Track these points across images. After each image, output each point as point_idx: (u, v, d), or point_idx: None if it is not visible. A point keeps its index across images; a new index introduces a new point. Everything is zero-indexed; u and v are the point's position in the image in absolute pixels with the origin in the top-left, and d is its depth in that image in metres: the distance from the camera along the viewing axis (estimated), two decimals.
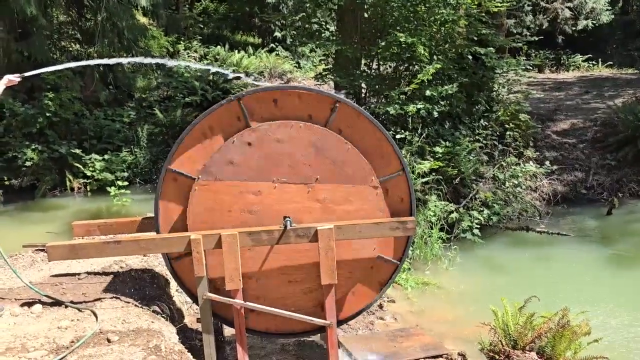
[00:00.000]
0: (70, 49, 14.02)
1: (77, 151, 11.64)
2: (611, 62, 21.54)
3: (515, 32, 18.31)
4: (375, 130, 4.11)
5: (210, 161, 3.97)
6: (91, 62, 4.95)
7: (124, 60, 4.71)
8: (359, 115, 4.09)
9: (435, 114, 8.76)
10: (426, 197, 7.96)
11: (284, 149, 4.00)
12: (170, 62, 6.69)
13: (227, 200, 3.99)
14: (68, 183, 11.55)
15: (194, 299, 4.14)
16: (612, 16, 22.03)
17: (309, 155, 4.01)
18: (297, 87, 4.23)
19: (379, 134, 4.11)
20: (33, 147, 11.27)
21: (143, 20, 15.43)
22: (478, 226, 7.98)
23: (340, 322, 4.33)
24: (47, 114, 11.45)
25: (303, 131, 4.01)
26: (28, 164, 11.09)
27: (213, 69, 5.77)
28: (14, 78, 4.20)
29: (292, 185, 4.02)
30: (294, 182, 4.02)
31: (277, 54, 18.86)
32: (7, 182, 11.16)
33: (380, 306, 5.90)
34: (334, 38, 10.41)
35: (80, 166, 11.57)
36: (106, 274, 4.67)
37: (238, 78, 13.71)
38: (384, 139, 4.12)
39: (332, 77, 10.52)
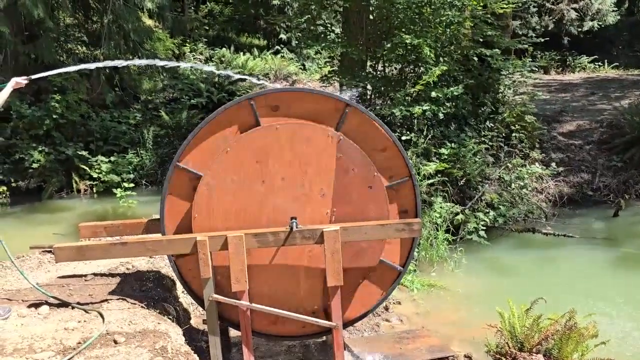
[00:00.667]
0: (77, 51, 14.09)
1: (84, 153, 11.69)
2: (617, 63, 21.45)
3: (520, 33, 18.23)
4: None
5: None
6: (100, 65, 4.96)
7: (132, 63, 4.74)
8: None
9: (441, 116, 8.75)
10: (432, 198, 7.95)
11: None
12: (182, 65, 6.73)
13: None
14: (74, 185, 11.60)
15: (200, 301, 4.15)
16: (618, 17, 21.93)
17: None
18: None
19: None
20: (40, 149, 11.33)
21: (149, 22, 15.48)
22: (484, 228, 7.96)
23: (346, 324, 4.33)
24: (54, 116, 11.51)
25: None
26: (35, 165, 11.15)
27: (224, 73, 5.83)
28: (21, 80, 4.23)
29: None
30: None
31: (282, 56, 18.89)
32: (14, 184, 11.22)
33: (386, 308, 5.89)
34: (339, 40, 10.42)
35: (87, 168, 11.62)
36: (113, 275, 4.69)
37: (243, 80, 13.74)
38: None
39: (338, 79, 10.52)
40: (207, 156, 4.01)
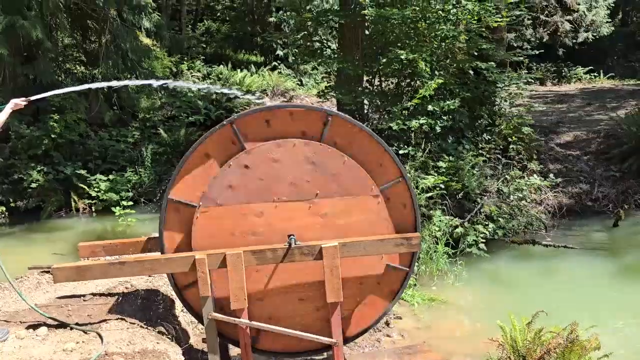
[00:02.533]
0: (75, 70, 14.16)
1: (82, 172, 11.69)
2: (613, 74, 21.59)
3: (515, 45, 18.43)
4: (370, 139, 4.12)
5: (209, 187, 3.98)
6: (99, 85, 5.00)
7: (130, 83, 4.80)
8: (352, 126, 4.10)
9: (438, 129, 8.78)
10: (431, 212, 7.95)
11: (282, 168, 4.01)
12: (180, 84, 6.78)
13: (230, 224, 3.99)
14: (73, 204, 11.58)
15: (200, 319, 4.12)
16: (612, 28, 22.14)
17: (306, 171, 4.02)
18: (287, 105, 4.25)
19: (373, 142, 4.12)
20: (38, 168, 11.34)
21: (146, 41, 15.58)
22: (484, 240, 7.94)
23: (346, 340, 4.30)
24: (53, 136, 11.53)
25: (298, 148, 4.02)
26: (33, 185, 11.14)
27: (221, 90, 5.85)
28: (20, 102, 4.24)
29: (293, 203, 4.02)
30: (295, 200, 4.02)
31: (279, 72, 18.99)
32: (12, 204, 11.20)
33: (387, 323, 5.86)
34: (336, 56, 10.50)
35: (85, 187, 11.61)
36: (111, 294, 4.67)
37: (236, 97, 13.78)
38: (380, 146, 4.12)
39: (335, 95, 10.58)
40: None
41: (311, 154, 4.02)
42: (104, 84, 4.99)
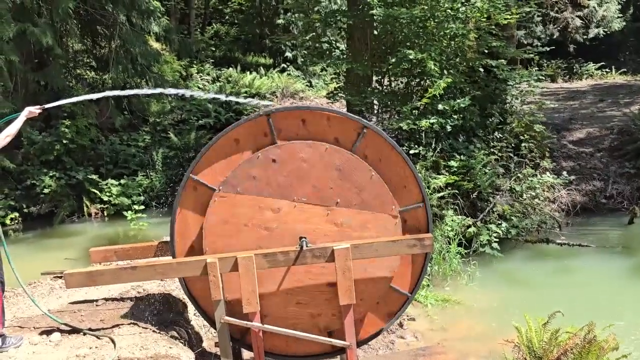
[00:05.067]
0: (86, 76, 14.27)
1: (94, 177, 11.77)
2: (625, 69, 21.34)
3: (526, 43, 18.28)
4: (399, 159, 4.09)
5: (232, 174, 3.96)
6: (110, 94, 4.99)
7: (140, 92, 4.85)
8: (384, 142, 4.07)
9: (449, 128, 8.71)
10: (443, 211, 7.88)
11: (308, 169, 3.98)
12: (193, 93, 6.80)
13: (245, 214, 3.97)
14: (85, 209, 11.66)
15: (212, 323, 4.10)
16: (624, 23, 21.87)
17: (332, 178, 3.99)
18: (326, 108, 4.21)
19: (402, 162, 4.09)
20: (51, 174, 11.43)
21: (156, 45, 15.67)
22: (497, 240, 7.86)
23: (359, 343, 4.26)
24: (64, 141, 11.62)
25: (328, 153, 3.99)
26: (46, 191, 11.23)
27: (236, 100, 5.85)
28: (34, 110, 4.25)
29: (311, 206, 3.99)
30: (314, 203, 3.99)
31: (288, 74, 19.01)
32: (26, 210, 11.30)
33: (401, 324, 5.81)
34: (345, 56, 10.46)
35: (97, 191, 11.69)
36: (124, 299, 4.67)
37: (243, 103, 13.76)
38: (408, 168, 4.10)
39: (344, 95, 10.54)
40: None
41: (340, 162, 3.99)
42: (120, 92, 4.97)
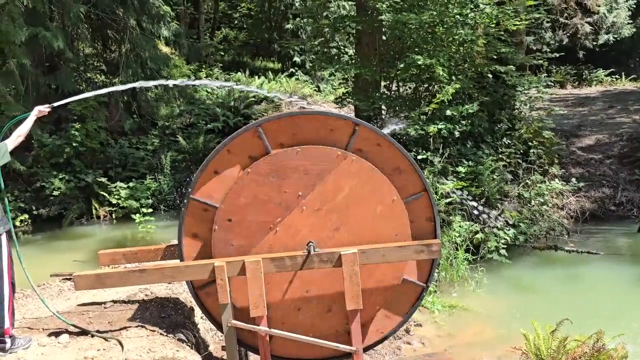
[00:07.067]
0: (96, 80, 14.38)
1: (103, 180, 11.85)
2: (635, 76, 21.22)
3: (535, 49, 18.19)
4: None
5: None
6: (116, 88, 5.07)
7: (147, 84, 4.86)
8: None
9: (457, 134, 8.70)
10: (450, 217, 7.86)
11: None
12: (199, 82, 6.79)
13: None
14: (94, 211, 11.73)
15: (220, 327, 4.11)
16: (634, 29, 21.76)
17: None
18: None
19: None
20: (60, 176, 11.52)
21: (165, 50, 15.79)
22: (504, 246, 7.83)
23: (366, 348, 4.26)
24: (74, 144, 11.71)
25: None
26: (56, 193, 11.32)
27: (256, 91, 5.85)
28: (43, 109, 4.30)
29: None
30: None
31: (297, 79, 19.07)
32: (35, 212, 11.39)
33: (407, 330, 5.79)
34: (353, 61, 10.49)
35: (106, 194, 11.75)
36: (132, 302, 4.69)
37: (261, 99, 13.80)
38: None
39: (352, 100, 10.55)
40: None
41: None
42: (126, 86, 5.03)
